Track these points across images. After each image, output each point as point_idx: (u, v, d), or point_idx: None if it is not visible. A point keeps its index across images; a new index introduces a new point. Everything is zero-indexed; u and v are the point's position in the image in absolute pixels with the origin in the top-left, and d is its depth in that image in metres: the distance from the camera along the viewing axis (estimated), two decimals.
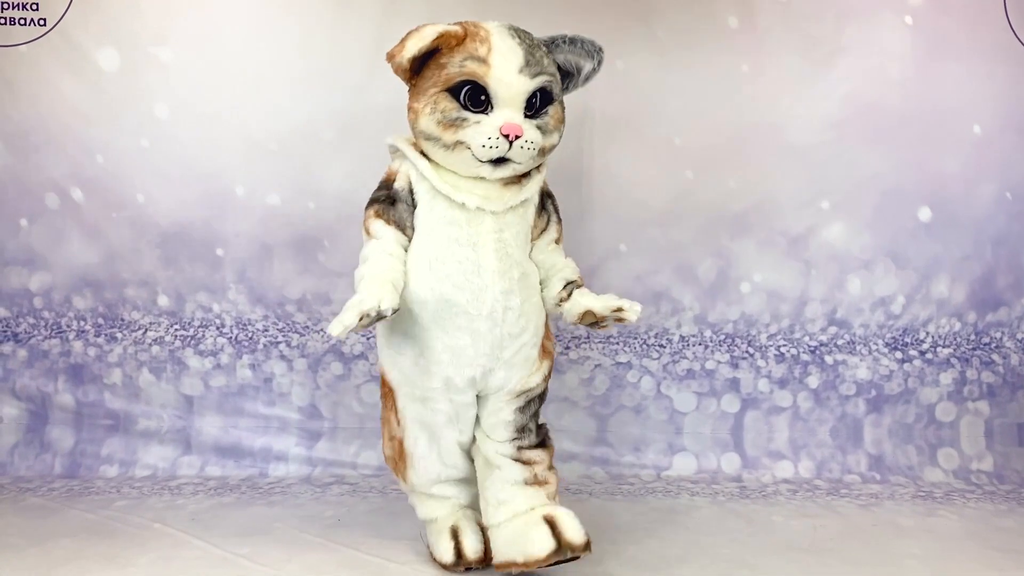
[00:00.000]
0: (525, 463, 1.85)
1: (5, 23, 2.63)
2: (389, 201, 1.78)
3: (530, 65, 1.68)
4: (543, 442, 1.91)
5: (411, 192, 1.78)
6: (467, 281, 1.71)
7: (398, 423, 1.89)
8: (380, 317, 1.60)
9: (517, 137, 1.67)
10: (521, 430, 1.86)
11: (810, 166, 2.70)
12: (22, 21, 2.63)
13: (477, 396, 1.86)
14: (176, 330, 2.76)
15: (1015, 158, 2.71)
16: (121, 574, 1.88)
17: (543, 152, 1.76)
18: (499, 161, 1.70)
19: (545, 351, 1.89)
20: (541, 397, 1.91)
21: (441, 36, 1.66)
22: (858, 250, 2.74)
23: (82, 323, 2.75)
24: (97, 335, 2.75)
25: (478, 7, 2.43)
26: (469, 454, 1.92)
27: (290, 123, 2.65)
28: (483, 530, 1.87)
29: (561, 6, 2.59)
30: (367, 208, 1.80)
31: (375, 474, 2.66)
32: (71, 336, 2.75)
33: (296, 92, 2.65)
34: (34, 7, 2.62)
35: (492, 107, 1.68)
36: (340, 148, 2.66)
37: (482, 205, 1.73)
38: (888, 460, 2.75)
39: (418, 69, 1.72)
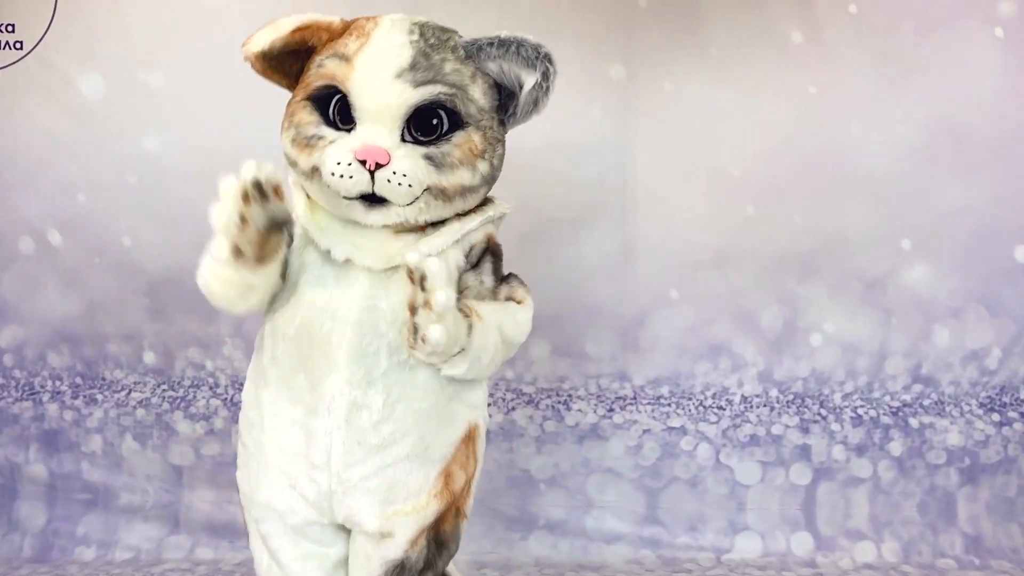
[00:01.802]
0: None
1: None
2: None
3: (416, 70, 1.24)
4: None
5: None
6: (311, 359, 1.29)
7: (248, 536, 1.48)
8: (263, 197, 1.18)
9: (380, 166, 1.21)
10: None
11: (887, 199, 2.40)
12: None
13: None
14: (164, 391, 2.47)
15: None
16: None
17: (444, 195, 1.27)
18: (371, 200, 1.25)
19: (447, 495, 1.36)
20: (424, 569, 1.37)
21: (306, 28, 1.29)
22: (945, 296, 2.42)
23: (58, 383, 2.48)
24: (75, 397, 2.48)
25: (503, 24, 2.24)
26: None
27: None
28: None
29: (597, 18, 2.33)
30: None
31: None
32: (45, 398, 2.48)
33: None
34: (9, 28, 2.38)
35: (357, 124, 1.26)
36: None
37: (353, 257, 1.29)
38: (988, 541, 2.40)
39: (297, 74, 1.35)
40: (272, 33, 1.30)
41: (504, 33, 1.29)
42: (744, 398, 2.46)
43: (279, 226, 1.23)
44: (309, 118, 1.29)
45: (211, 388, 2.46)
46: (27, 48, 2.37)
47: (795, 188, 2.39)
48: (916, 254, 2.41)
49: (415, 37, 1.27)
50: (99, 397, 2.47)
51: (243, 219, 1.19)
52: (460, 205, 1.32)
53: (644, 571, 2.28)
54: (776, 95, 2.38)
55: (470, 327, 1.27)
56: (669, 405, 2.45)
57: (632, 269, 2.39)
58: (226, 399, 2.46)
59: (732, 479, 2.46)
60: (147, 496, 2.46)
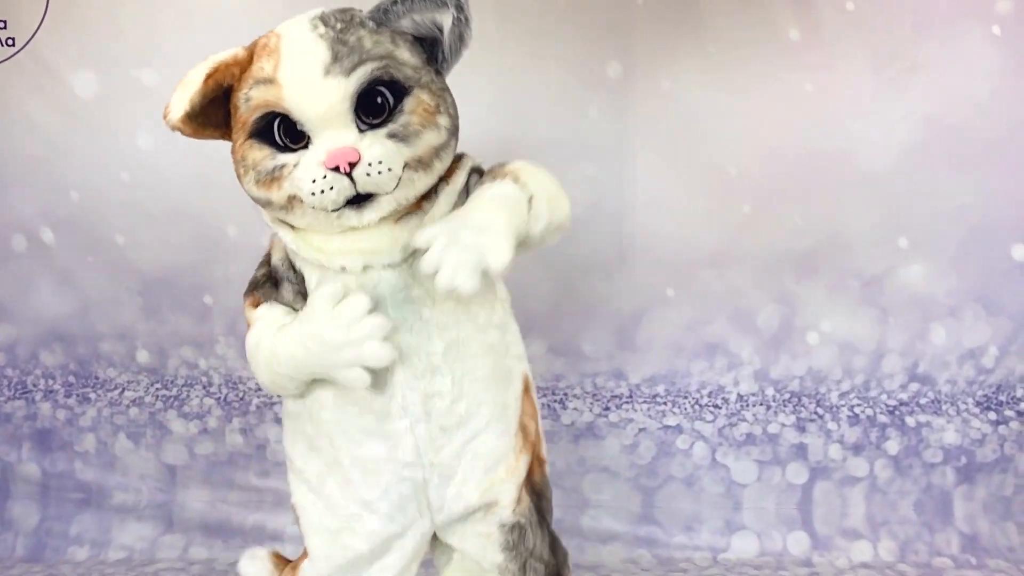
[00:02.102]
0: None
1: None
2: (272, 283, 1.39)
3: (341, 59, 1.20)
4: None
5: (292, 266, 1.38)
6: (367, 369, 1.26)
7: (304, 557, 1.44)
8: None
9: (353, 164, 1.19)
10: (520, 572, 1.39)
11: (885, 198, 2.39)
12: None
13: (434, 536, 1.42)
14: (157, 390, 2.47)
15: None
16: None
17: (422, 164, 1.25)
18: (358, 201, 1.23)
19: (531, 453, 1.41)
20: (540, 520, 1.42)
21: (216, 70, 1.26)
22: (943, 294, 2.41)
23: (51, 382, 2.47)
24: (67, 396, 2.47)
25: (499, 26, 2.24)
26: None
27: None
28: None
29: (594, 17, 2.31)
30: (245, 297, 1.42)
31: None
32: (38, 397, 2.47)
33: None
34: (1, 25, 2.36)
35: (311, 137, 1.23)
36: None
37: (370, 262, 1.28)
38: (984, 540, 2.39)
39: (226, 118, 1.31)
40: (186, 91, 1.26)
41: None
42: (740, 397, 2.45)
43: None
44: (261, 153, 1.25)
45: (204, 387, 2.46)
46: (19, 45, 2.35)
47: (792, 186, 2.38)
48: (913, 253, 2.40)
49: (322, 30, 1.23)
50: (92, 396, 2.47)
51: None
52: (440, 167, 1.29)
53: (640, 570, 2.28)
54: (774, 93, 2.36)
55: (515, 182, 1.28)
56: (665, 404, 2.45)
57: (629, 267, 2.38)
58: (220, 398, 2.45)
59: (728, 478, 2.45)
60: (140, 495, 2.45)
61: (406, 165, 1.23)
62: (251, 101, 1.23)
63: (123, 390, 2.47)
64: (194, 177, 2.37)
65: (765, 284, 2.41)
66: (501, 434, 1.35)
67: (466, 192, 1.34)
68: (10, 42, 2.36)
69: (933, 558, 2.35)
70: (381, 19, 1.25)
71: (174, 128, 1.29)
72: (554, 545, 1.45)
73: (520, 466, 1.38)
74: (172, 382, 2.46)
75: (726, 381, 2.45)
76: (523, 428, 1.38)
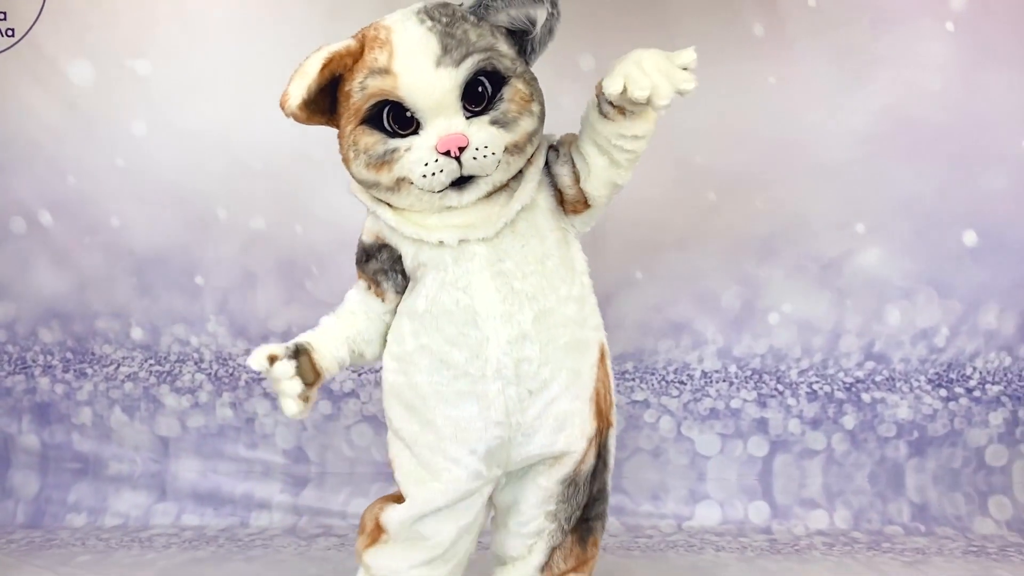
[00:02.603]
0: (549, 568, 1.55)
1: None
2: (363, 259, 1.51)
3: (450, 51, 1.30)
4: (584, 542, 1.57)
5: (384, 245, 1.48)
6: (461, 334, 1.39)
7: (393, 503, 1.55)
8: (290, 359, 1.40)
9: (462, 148, 1.31)
10: (564, 522, 1.53)
11: (843, 186, 2.51)
12: None
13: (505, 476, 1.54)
14: (151, 365, 2.58)
15: None
16: None
17: (518, 147, 1.36)
18: (461, 182, 1.35)
19: (600, 417, 1.50)
20: (594, 476, 1.52)
21: (330, 61, 1.33)
22: (897, 277, 2.54)
23: (49, 358, 2.58)
24: (65, 371, 2.58)
25: None
26: (464, 557, 1.57)
27: (277, 141, 2.45)
28: None
29: (568, 10, 2.39)
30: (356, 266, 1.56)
31: None
32: (37, 372, 2.58)
33: None
34: (1, 16, 2.46)
35: (421, 123, 1.33)
36: (330, 168, 2.39)
37: (466, 236, 1.38)
38: (933, 509, 2.52)
39: (333, 107, 1.40)
40: (304, 80, 1.33)
41: None
42: (704, 374, 2.57)
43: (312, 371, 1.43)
44: (372, 139, 1.34)
45: (196, 363, 2.57)
46: (18, 35, 2.46)
47: (755, 175, 2.49)
48: (870, 238, 2.52)
49: (429, 23, 1.32)
50: (89, 371, 2.58)
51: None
52: (530, 150, 1.40)
53: (608, 537, 2.36)
54: (738, 86, 2.47)
55: None
56: (633, 380, 2.57)
57: (600, 251, 2.41)
58: (210, 374, 2.57)
59: (693, 450, 2.58)
60: (135, 465, 2.57)
61: (505, 149, 1.34)
62: (366, 89, 1.31)
63: (118, 365, 2.58)
64: (186, 162, 2.50)
65: (728, 267, 2.53)
66: (574, 398, 1.44)
67: (547, 168, 1.46)
68: (9, 33, 2.46)
69: (885, 526, 2.48)
70: (481, 13, 1.35)
71: (291, 115, 1.35)
72: (598, 495, 1.55)
73: (590, 428, 1.47)
74: (165, 358, 2.57)
75: (691, 359, 2.57)
76: (596, 394, 1.48)
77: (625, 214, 2.47)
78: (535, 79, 1.40)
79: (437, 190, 1.34)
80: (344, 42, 1.35)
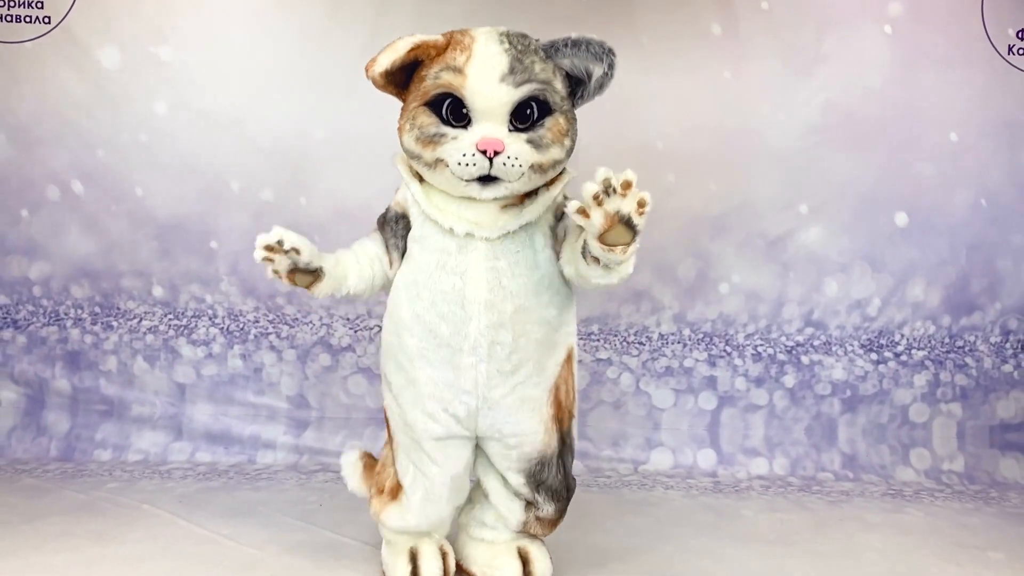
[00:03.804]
0: (525, 529, 1.78)
1: (11, 20, 2.71)
2: (384, 221, 1.73)
3: (515, 73, 1.51)
4: (561, 509, 1.78)
5: (403, 216, 1.70)
6: (451, 312, 1.60)
7: (392, 458, 1.80)
8: (287, 252, 1.55)
9: (497, 153, 1.51)
10: (535, 493, 1.73)
11: (789, 171, 2.76)
12: (27, 19, 2.71)
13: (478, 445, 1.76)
14: (170, 320, 2.83)
15: (990, 165, 2.77)
16: (109, 551, 1.96)
17: (542, 169, 1.56)
18: (487, 180, 1.55)
19: (559, 407, 1.70)
20: (561, 459, 1.73)
21: (418, 47, 1.55)
22: (835, 253, 2.80)
23: (79, 311, 2.83)
24: (94, 323, 2.83)
25: (466, 12, 2.52)
26: (455, 509, 1.81)
27: (284, 121, 2.73)
28: (443, 555, 1.79)
29: (544, 13, 2.65)
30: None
31: None
32: (68, 324, 2.83)
33: (290, 91, 2.73)
34: (39, 5, 2.71)
35: (472, 121, 1.54)
36: (332, 146, 2.74)
37: (472, 231, 1.59)
38: (861, 459, 2.81)
39: (405, 83, 1.61)
40: (392, 55, 1.54)
41: (574, 35, 1.57)
42: (661, 336, 2.85)
43: (304, 271, 1.60)
44: (428, 120, 1.55)
45: (210, 318, 2.84)
46: (54, 23, 2.71)
47: (710, 160, 2.75)
48: (812, 218, 2.79)
49: (507, 46, 1.54)
50: (114, 324, 2.84)
51: (268, 259, 1.56)
52: (551, 174, 1.61)
53: None
54: (696, 80, 2.73)
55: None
56: (598, 340, 2.84)
57: None
58: (223, 328, 2.84)
59: (649, 403, 2.85)
60: (155, 408, 2.83)
61: (531, 166, 1.56)
62: (439, 79, 1.54)
63: (141, 319, 2.83)
64: (202, 139, 2.75)
65: (685, 242, 2.79)
66: (536, 386, 1.66)
67: (560, 215, 1.64)
68: (46, 20, 2.72)
69: (818, 473, 2.77)
70: (551, 53, 1.58)
71: (371, 78, 1.57)
72: (566, 480, 1.76)
73: (547, 414, 1.68)
74: (183, 313, 2.83)
75: (650, 323, 2.85)
76: (556, 387, 1.69)
77: None
78: (575, 120, 1.62)
79: (465, 179, 1.55)
80: (434, 36, 1.58)
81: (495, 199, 1.59)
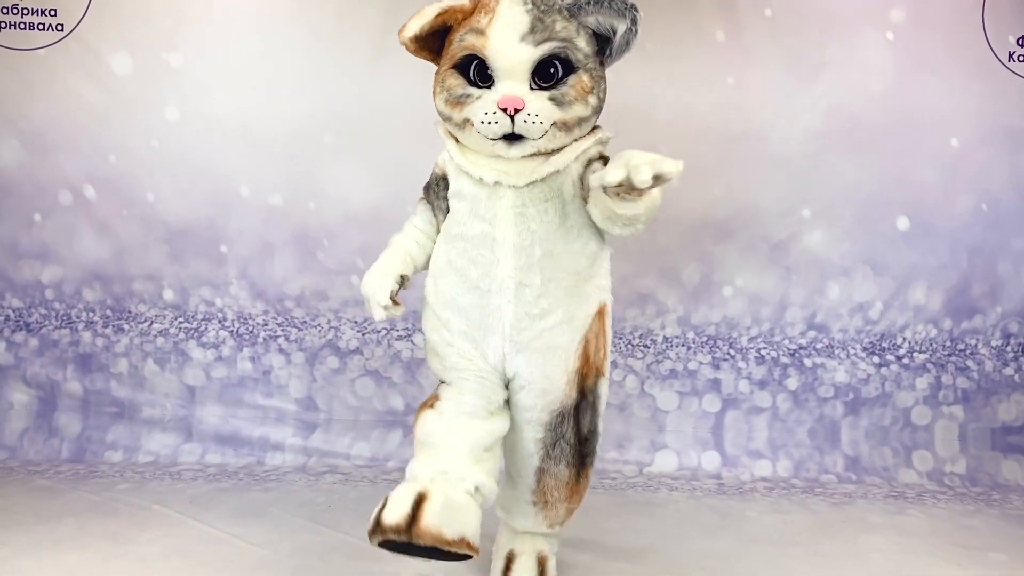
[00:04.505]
0: (541, 492, 1.77)
1: (25, 28, 2.76)
2: (429, 185, 1.78)
3: (535, 32, 1.55)
4: (578, 474, 1.76)
5: (443, 177, 1.74)
6: (480, 255, 1.64)
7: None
8: (396, 291, 1.67)
9: (517, 110, 1.54)
10: (549, 450, 1.72)
11: (792, 175, 2.79)
12: (41, 26, 2.75)
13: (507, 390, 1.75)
14: (180, 323, 2.87)
15: (991, 170, 2.79)
16: (120, 550, 1.99)
17: (566, 126, 1.59)
18: (512, 138, 1.58)
19: (587, 361, 1.70)
20: (581, 414, 1.71)
21: (446, 12, 1.61)
22: (838, 257, 2.83)
23: (91, 315, 2.87)
24: (105, 326, 2.87)
25: None
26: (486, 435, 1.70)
27: (293, 127, 2.77)
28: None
29: None
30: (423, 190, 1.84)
31: (367, 464, 2.77)
32: (80, 327, 2.87)
33: (299, 97, 2.77)
34: (52, 13, 2.75)
35: (495, 81, 1.58)
36: (341, 151, 2.78)
37: (501, 179, 1.62)
38: (864, 461, 2.83)
39: (439, 48, 1.66)
40: (420, 20, 1.61)
41: None
42: (666, 339, 2.88)
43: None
44: (456, 81, 1.60)
45: (220, 321, 2.87)
46: (67, 31, 2.75)
47: (714, 164, 2.77)
48: (814, 222, 2.82)
49: (529, 6, 1.58)
50: (126, 327, 2.88)
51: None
52: (578, 132, 1.63)
53: None
54: (701, 85, 2.76)
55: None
56: None
57: None
58: (232, 331, 2.87)
59: (654, 405, 2.88)
60: (165, 410, 2.87)
61: (554, 123, 1.58)
62: (464, 42, 1.59)
63: (151, 322, 2.87)
64: (213, 145, 2.79)
65: (689, 245, 2.82)
66: (565, 334, 1.66)
67: (588, 162, 1.64)
68: (59, 28, 2.76)
69: (821, 475, 2.80)
70: (574, 12, 1.60)
71: (402, 43, 1.63)
72: (588, 436, 1.74)
73: (572, 366, 1.68)
74: (193, 317, 2.87)
75: (654, 325, 2.87)
76: (586, 340, 1.68)
77: None
78: (603, 78, 1.64)
79: (490, 137, 1.58)
80: (462, 1, 1.62)
81: (522, 157, 1.62)
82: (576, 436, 1.72)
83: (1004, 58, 2.77)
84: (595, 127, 1.70)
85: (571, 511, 1.81)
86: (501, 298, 1.64)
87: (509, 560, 1.83)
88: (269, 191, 2.81)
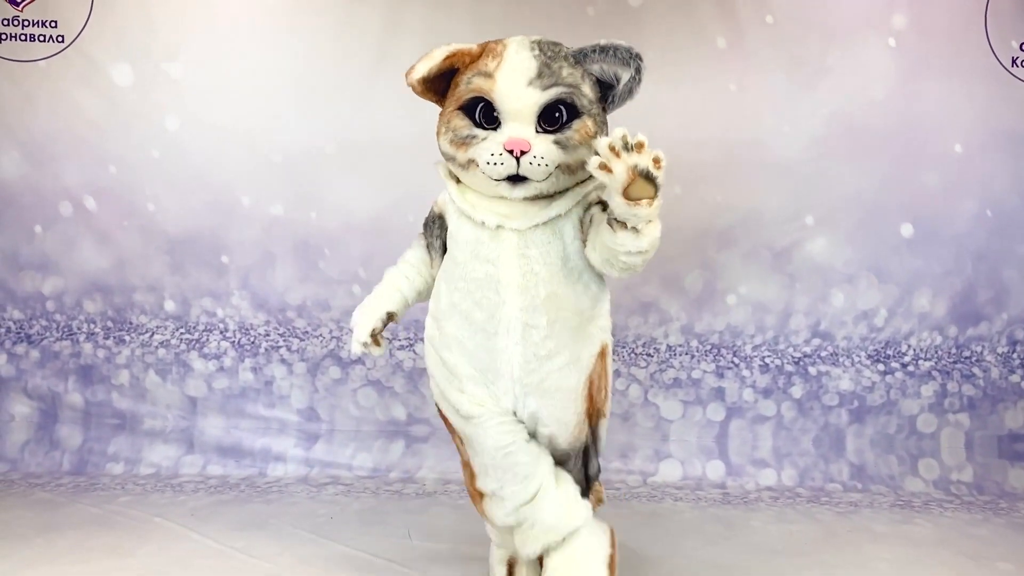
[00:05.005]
0: None
1: (26, 39, 2.76)
2: (427, 224, 1.79)
3: (543, 77, 1.58)
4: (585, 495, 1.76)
5: (441, 216, 1.75)
6: (484, 297, 1.64)
7: (461, 443, 1.77)
8: (379, 330, 1.72)
9: (523, 152, 1.57)
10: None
11: (795, 182, 2.79)
12: (41, 38, 2.76)
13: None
14: (181, 334, 2.87)
15: (995, 176, 2.78)
16: (121, 564, 1.98)
17: (569, 169, 1.61)
18: (516, 180, 1.60)
19: (591, 402, 1.70)
20: (586, 456, 1.76)
21: (454, 55, 1.62)
22: (841, 264, 2.82)
23: (92, 326, 2.87)
24: (106, 338, 2.87)
25: (473, 30, 2.58)
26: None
27: (294, 137, 2.77)
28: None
29: (550, 30, 2.63)
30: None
31: (370, 475, 2.76)
32: (81, 338, 2.87)
33: (300, 107, 2.77)
34: (53, 24, 2.76)
35: (501, 124, 1.60)
36: (341, 161, 2.77)
37: (503, 223, 1.63)
38: (870, 469, 2.82)
39: (444, 91, 1.67)
40: (429, 63, 1.61)
41: (603, 41, 1.63)
42: (669, 347, 2.86)
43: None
44: (462, 123, 1.62)
45: (221, 332, 2.87)
46: (67, 41, 2.75)
47: (716, 172, 2.77)
48: (818, 229, 2.81)
49: (536, 52, 1.60)
50: (127, 338, 2.87)
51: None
52: (580, 175, 1.63)
53: None
54: (702, 92, 2.76)
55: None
56: None
57: None
58: (234, 342, 2.87)
59: (658, 415, 2.86)
60: (167, 422, 2.86)
61: (558, 166, 1.60)
62: (471, 84, 1.60)
63: (153, 333, 2.87)
64: (213, 155, 2.79)
65: (691, 253, 2.81)
66: (572, 375, 1.66)
67: (588, 206, 1.65)
68: (60, 39, 2.76)
69: (826, 484, 2.78)
70: (580, 59, 1.64)
71: (410, 84, 1.65)
72: (593, 476, 1.79)
73: (581, 407, 1.68)
74: (194, 327, 2.86)
75: (657, 334, 2.86)
76: (590, 381, 1.69)
77: None
78: (605, 123, 1.66)
79: (495, 178, 1.60)
80: (469, 45, 1.64)
81: (524, 199, 1.63)
82: (583, 476, 1.75)
83: (1007, 63, 2.76)
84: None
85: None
86: (508, 339, 1.64)
87: (511, 566, 1.83)
88: (270, 201, 2.80)
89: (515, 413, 1.69)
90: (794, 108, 2.77)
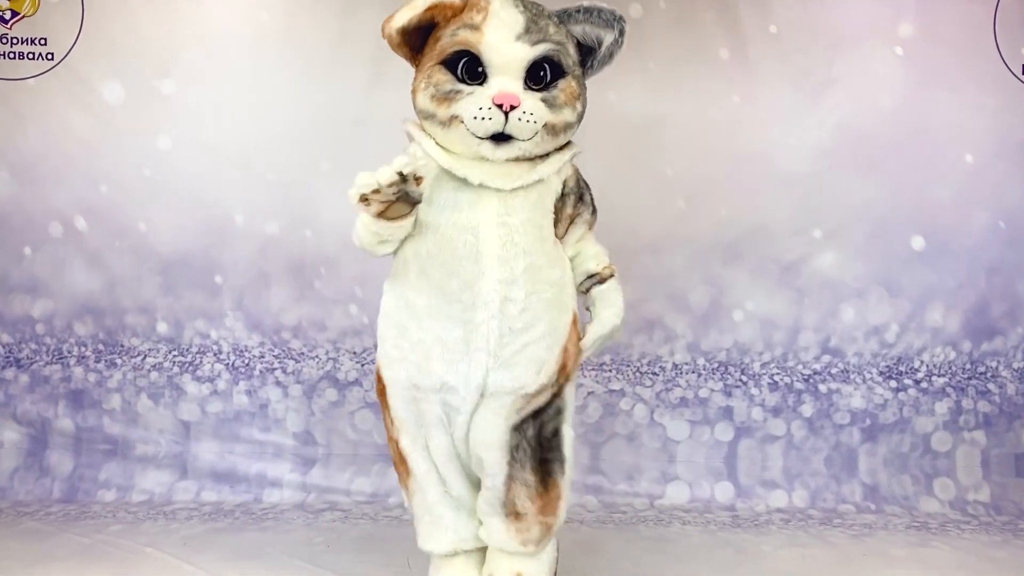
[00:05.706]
0: (511, 503, 1.65)
1: (15, 57, 2.71)
2: None
3: (531, 32, 1.56)
4: (543, 481, 1.65)
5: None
6: (462, 268, 1.58)
7: (392, 423, 1.72)
8: (404, 181, 1.47)
9: (513, 107, 1.52)
10: (513, 453, 1.63)
11: (802, 195, 2.73)
12: (31, 55, 2.71)
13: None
14: (174, 356, 2.81)
15: (1007, 186, 2.72)
16: None
17: (554, 130, 1.60)
18: (500, 138, 1.56)
19: (563, 370, 1.65)
20: (544, 417, 1.64)
21: (435, 6, 1.59)
22: (851, 278, 2.76)
23: (83, 349, 2.80)
24: (97, 361, 2.81)
25: None
26: (470, 476, 1.72)
27: (288, 153, 2.71)
28: None
29: None
30: None
31: (368, 501, 2.68)
32: (72, 362, 2.81)
33: (294, 124, 2.72)
34: (42, 42, 2.71)
35: (487, 78, 1.56)
36: (337, 178, 2.65)
37: (486, 181, 1.59)
38: (883, 490, 2.74)
39: (420, 47, 1.64)
40: (410, 12, 1.58)
41: (586, 2, 1.63)
42: (675, 366, 2.80)
43: (407, 201, 1.54)
44: (444, 77, 1.58)
45: (215, 354, 2.80)
46: (57, 59, 2.71)
47: (721, 185, 2.72)
48: (826, 242, 2.74)
49: (522, 8, 1.59)
50: (118, 361, 2.81)
51: (377, 190, 1.47)
52: (561, 139, 1.65)
53: (587, 512, 2.61)
54: (705, 104, 2.71)
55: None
56: (610, 371, 2.79)
57: None
58: (228, 364, 2.80)
59: (664, 435, 2.79)
60: (159, 447, 2.79)
61: (544, 126, 1.58)
62: (456, 36, 1.57)
63: (145, 356, 2.80)
64: (206, 173, 2.73)
65: (697, 269, 2.75)
66: (549, 347, 1.63)
67: (564, 176, 1.69)
68: (49, 56, 2.71)
69: (839, 505, 2.70)
70: (563, 19, 1.64)
71: (388, 34, 1.61)
72: (551, 437, 1.66)
73: (555, 375, 1.64)
74: (187, 350, 2.80)
75: (663, 352, 2.80)
76: (565, 348, 1.66)
77: (602, 220, 2.65)
78: (585, 87, 1.66)
79: (479, 135, 1.56)
80: None
81: (507, 160, 1.60)
82: (537, 438, 1.64)
83: (1017, 71, 2.71)
84: (568, 142, 1.70)
85: (546, 528, 1.67)
86: (486, 312, 1.59)
87: None
88: (264, 219, 2.75)
89: (484, 385, 1.61)
90: (800, 119, 2.72)
